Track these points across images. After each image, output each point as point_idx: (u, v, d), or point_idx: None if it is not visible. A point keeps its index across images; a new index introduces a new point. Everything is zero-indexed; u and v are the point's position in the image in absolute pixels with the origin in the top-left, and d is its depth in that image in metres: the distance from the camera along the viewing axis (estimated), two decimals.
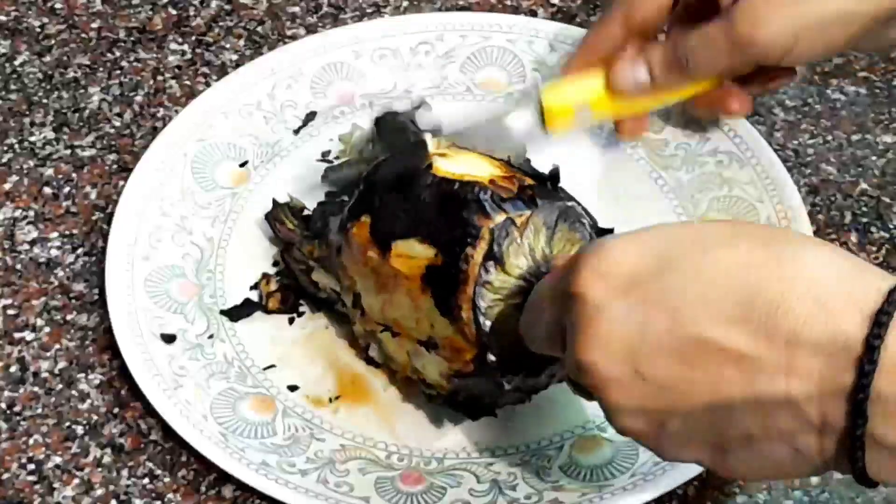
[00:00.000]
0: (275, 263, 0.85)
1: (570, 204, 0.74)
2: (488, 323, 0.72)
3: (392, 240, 0.75)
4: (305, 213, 0.87)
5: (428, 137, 0.78)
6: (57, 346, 0.83)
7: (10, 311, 0.84)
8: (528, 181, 0.75)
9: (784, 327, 0.55)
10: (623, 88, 0.82)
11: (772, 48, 0.78)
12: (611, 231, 0.76)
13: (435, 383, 0.76)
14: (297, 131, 0.92)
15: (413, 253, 0.74)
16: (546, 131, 0.84)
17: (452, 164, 0.76)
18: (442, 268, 0.72)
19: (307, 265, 0.82)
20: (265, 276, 0.84)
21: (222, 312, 0.83)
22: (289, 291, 0.83)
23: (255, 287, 0.84)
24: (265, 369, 0.81)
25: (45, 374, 0.81)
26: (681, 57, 0.81)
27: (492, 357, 0.72)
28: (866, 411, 0.54)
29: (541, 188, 0.75)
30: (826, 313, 0.55)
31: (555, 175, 0.76)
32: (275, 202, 0.86)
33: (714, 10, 0.81)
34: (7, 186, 0.91)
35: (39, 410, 0.80)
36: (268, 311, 0.83)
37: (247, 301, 0.83)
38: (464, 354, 0.73)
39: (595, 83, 0.84)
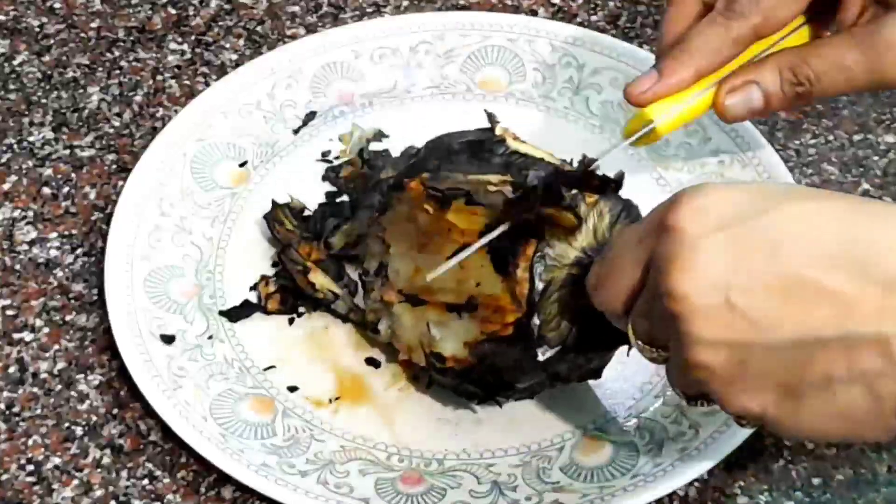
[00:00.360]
0: (274, 264, 0.85)
1: (634, 203, 0.74)
2: (542, 285, 0.71)
3: (454, 196, 0.74)
4: (306, 213, 0.86)
5: (499, 127, 0.78)
6: (56, 346, 0.83)
7: (10, 312, 0.84)
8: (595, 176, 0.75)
9: (880, 271, 0.57)
10: (735, 116, 0.79)
11: None
12: None
13: (451, 356, 0.75)
14: (297, 131, 0.92)
15: (475, 209, 0.74)
16: (636, 145, 0.81)
17: (519, 146, 0.77)
18: (499, 223, 0.72)
19: (304, 266, 0.82)
20: (264, 277, 0.84)
21: (221, 313, 0.83)
22: (287, 293, 0.83)
23: (254, 288, 0.84)
24: (265, 370, 0.81)
25: (44, 375, 0.81)
26: (803, 81, 0.77)
27: (536, 321, 0.71)
28: None
29: (605, 184, 0.75)
30: None
31: (619, 179, 0.75)
32: (274, 203, 0.86)
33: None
34: (6, 186, 0.91)
35: (38, 411, 0.80)
36: (267, 312, 0.83)
37: (246, 302, 0.83)
38: (506, 315, 0.72)
39: (701, 98, 0.79)
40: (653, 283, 0.62)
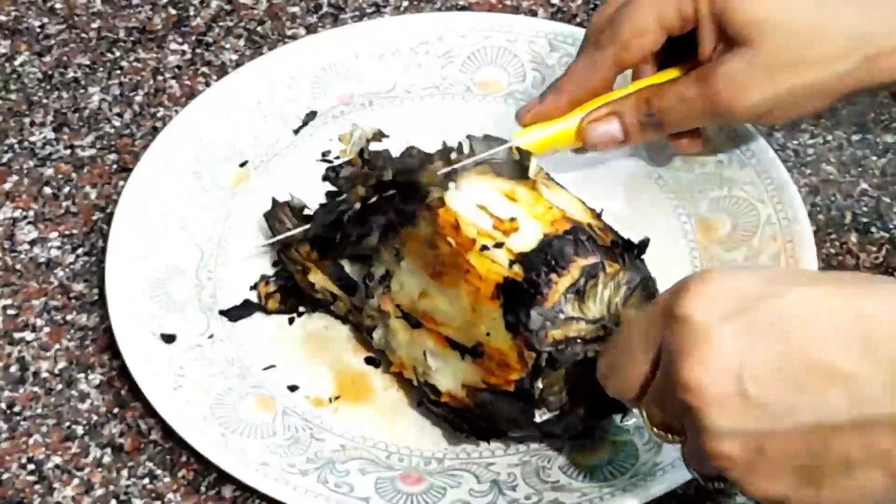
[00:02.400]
0: (274, 263, 0.85)
1: (652, 277, 0.75)
2: (550, 350, 0.72)
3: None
4: (306, 212, 0.87)
5: (533, 162, 0.79)
6: (57, 346, 0.83)
7: (10, 311, 0.84)
8: (619, 239, 0.75)
9: (889, 351, 0.57)
10: (596, 144, 0.83)
11: (748, 116, 0.80)
12: None
13: (447, 392, 0.75)
14: (297, 131, 0.92)
15: (498, 259, 0.74)
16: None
17: (552, 195, 0.77)
18: (521, 283, 0.72)
19: (303, 266, 0.82)
20: (264, 277, 0.84)
21: (221, 313, 0.83)
22: (287, 293, 0.83)
23: (254, 288, 0.84)
24: (265, 369, 0.81)
25: (45, 374, 0.81)
26: (654, 113, 0.81)
27: (539, 385, 0.72)
28: None
29: (628, 250, 0.75)
30: None
31: (643, 245, 0.76)
32: (274, 201, 0.86)
33: (686, 53, 0.82)
34: (7, 186, 0.91)
35: (39, 410, 0.80)
36: (267, 312, 0.83)
37: (246, 302, 0.83)
38: (510, 372, 0.72)
39: (568, 127, 0.84)
40: (665, 374, 0.62)
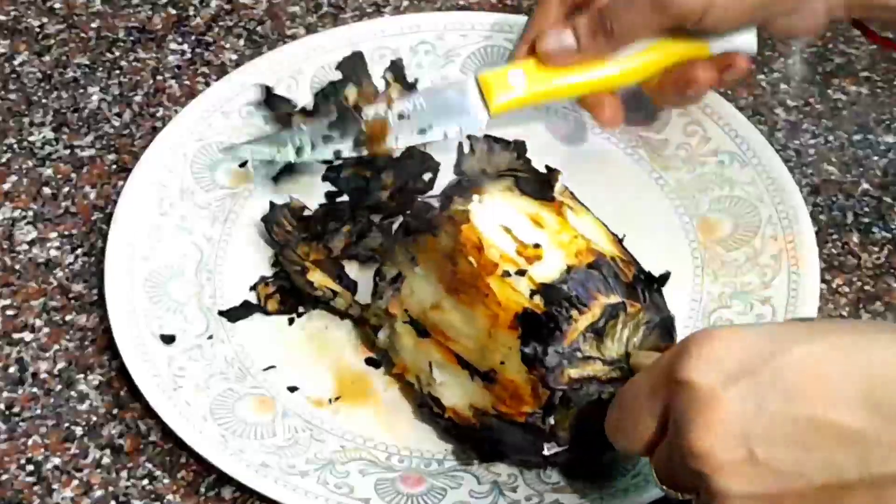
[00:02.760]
0: (274, 264, 0.85)
1: (671, 315, 0.74)
2: (565, 389, 0.71)
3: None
4: (306, 213, 0.86)
5: (559, 183, 0.78)
6: (56, 346, 0.83)
7: (9, 312, 0.84)
8: (641, 273, 0.75)
9: (894, 407, 0.57)
10: (549, 52, 0.84)
11: (687, 10, 0.81)
12: None
13: (453, 409, 0.75)
14: None
15: (519, 287, 0.73)
16: (490, 112, 0.85)
17: (577, 221, 0.76)
18: (540, 317, 0.72)
19: (302, 266, 0.82)
20: (263, 279, 0.84)
21: (221, 313, 0.83)
22: (287, 293, 0.83)
23: (253, 288, 0.84)
24: (265, 370, 0.81)
25: (44, 375, 0.81)
26: (605, 21, 0.82)
27: (551, 421, 0.71)
28: None
29: (649, 285, 0.75)
30: None
31: (664, 279, 0.76)
32: (272, 205, 0.86)
33: None
34: (6, 186, 0.91)
35: (38, 411, 0.80)
36: (267, 313, 0.83)
37: (246, 303, 0.83)
38: (522, 405, 0.72)
39: (531, 60, 0.85)
40: (673, 438, 0.62)
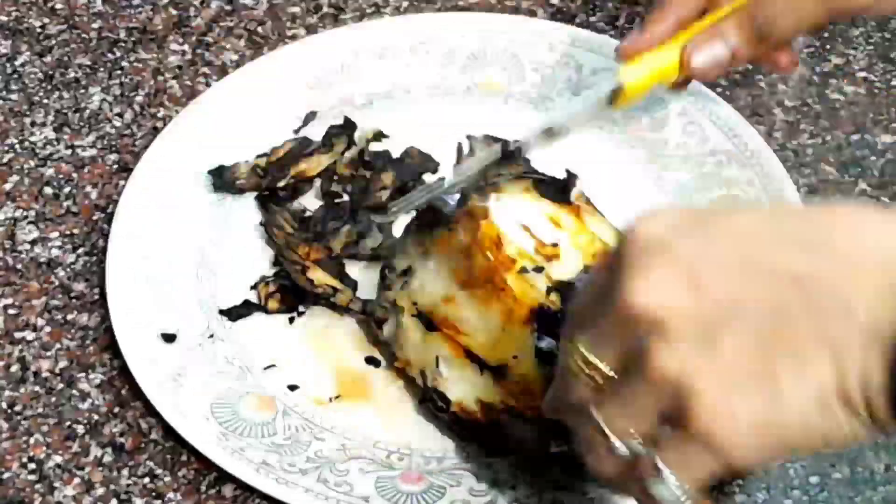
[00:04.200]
0: (274, 263, 0.85)
1: None
2: None
3: None
4: (307, 213, 0.87)
5: (577, 185, 0.78)
6: (57, 345, 0.83)
7: (11, 311, 0.84)
8: None
9: (842, 247, 0.56)
10: (702, 69, 0.80)
11: (864, 4, 0.77)
12: None
13: (459, 404, 0.75)
14: (297, 131, 0.92)
15: (536, 283, 0.73)
16: (613, 108, 0.82)
17: (595, 225, 0.77)
18: (557, 313, 0.72)
19: (303, 265, 0.82)
20: (263, 278, 0.84)
21: (221, 312, 0.83)
22: (287, 291, 0.83)
23: (254, 287, 0.84)
24: (265, 369, 0.81)
25: (45, 374, 0.81)
26: (761, 25, 0.78)
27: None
28: None
29: None
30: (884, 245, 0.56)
31: None
32: (271, 208, 0.86)
33: None
34: (8, 186, 0.91)
35: (40, 410, 0.80)
36: (268, 312, 0.83)
37: (246, 302, 0.83)
38: (533, 401, 0.72)
39: (669, 59, 0.81)
40: (609, 289, 0.59)
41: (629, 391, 0.59)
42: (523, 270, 0.73)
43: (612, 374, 0.59)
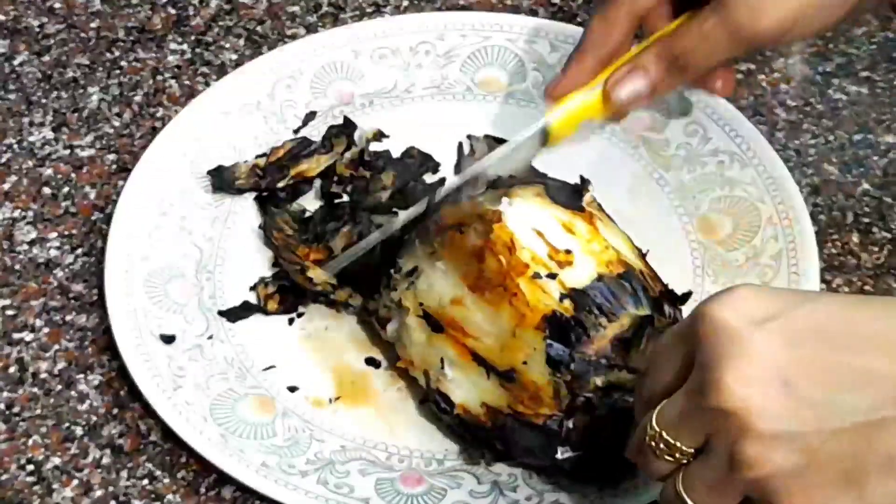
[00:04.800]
0: (273, 264, 0.85)
1: None
2: (589, 396, 0.71)
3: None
4: (307, 214, 0.86)
5: (589, 192, 0.78)
6: (56, 346, 0.82)
7: (9, 312, 0.84)
8: (666, 289, 0.76)
9: None
10: (623, 103, 0.80)
11: (772, 36, 0.77)
12: None
13: (463, 406, 0.75)
14: (297, 131, 0.92)
15: (549, 289, 0.73)
16: (548, 147, 0.83)
17: (607, 233, 0.77)
18: (569, 320, 0.72)
19: (302, 265, 0.82)
20: (262, 280, 0.84)
21: (220, 313, 0.82)
22: (286, 292, 0.83)
23: (253, 288, 0.84)
24: (265, 370, 0.81)
25: (44, 375, 0.81)
26: (678, 58, 0.79)
27: (570, 425, 0.71)
28: None
29: (673, 302, 0.75)
30: None
31: (686, 297, 0.78)
32: (270, 210, 0.86)
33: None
34: (6, 186, 0.91)
35: (38, 411, 0.80)
36: (267, 313, 0.83)
37: (245, 303, 0.83)
38: (541, 407, 0.72)
39: (594, 97, 0.81)
40: (697, 379, 0.59)
41: (713, 474, 0.60)
42: (536, 276, 0.73)
43: (691, 451, 0.61)
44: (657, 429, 0.61)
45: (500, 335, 0.73)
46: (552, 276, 0.73)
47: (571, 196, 0.78)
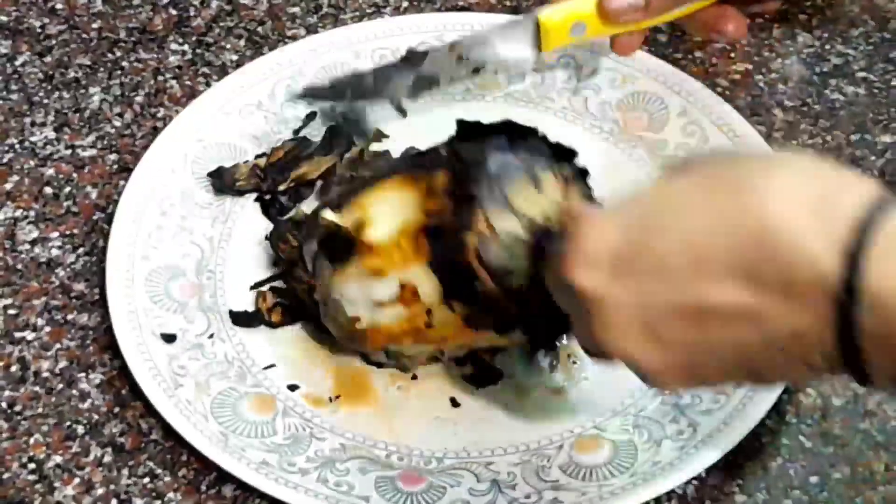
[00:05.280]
0: (274, 264, 0.85)
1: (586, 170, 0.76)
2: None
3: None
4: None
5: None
6: (57, 345, 0.83)
7: (11, 311, 0.84)
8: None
9: (772, 275, 0.58)
10: (618, 11, 0.82)
11: None
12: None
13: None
14: (297, 131, 0.92)
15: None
16: (540, 50, 0.84)
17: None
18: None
19: (309, 284, 0.82)
20: (261, 294, 0.84)
21: (231, 313, 0.82)
22: (287, 309, 0.83)
23: (254, 288, 0.84)
24: (265, 369, 0.81)
25: (45, 374, 0.81)
26: None
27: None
28: (855, 340, 0.57)
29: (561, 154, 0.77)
30: (807, 256, 0.57)
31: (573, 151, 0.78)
32: (276, 222, 0.86)
33: None
34: (8, 186, 0.91)
35: (40, 410, 0.80)
36: (273, 326, 0.83)
37: (253, 314, 0.83)
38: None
39: (590, 3, 0.83)
40: (587, 336, 0.65)
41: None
42: None
43: None
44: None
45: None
46: None
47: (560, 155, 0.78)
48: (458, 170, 0.74)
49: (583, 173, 0.76)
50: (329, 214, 0.76)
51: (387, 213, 0.76)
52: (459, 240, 0.72)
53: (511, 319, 0.74)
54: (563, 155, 0.76)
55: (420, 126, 0.92)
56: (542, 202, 0.73)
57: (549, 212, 0.73)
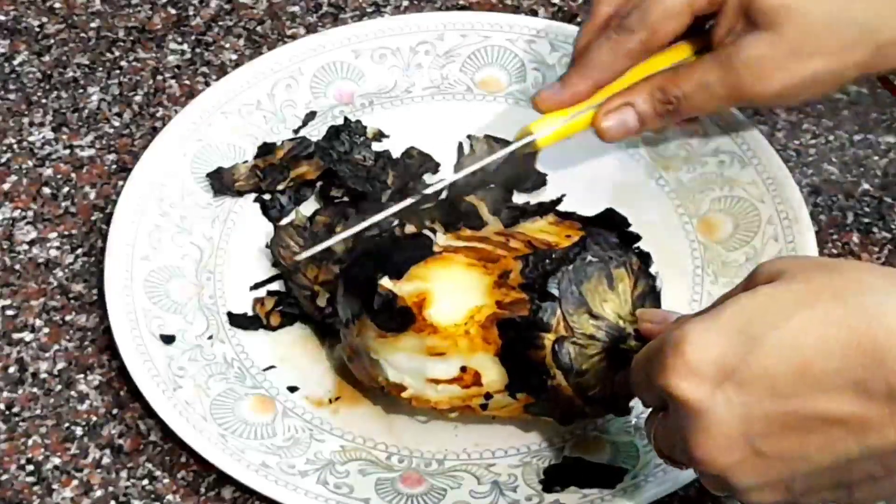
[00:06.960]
0: (274, 264, 0.85)
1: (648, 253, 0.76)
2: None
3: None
4: (310, 224, 0.86)
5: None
6: (56, 346, 0.83)
7: (9, 312, 0.84)
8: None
9: (879, 384, 0.58)
10: (610, 131, 0.82)
11: (770, 100, 0.81)
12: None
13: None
14: (297, 131, 0.92)
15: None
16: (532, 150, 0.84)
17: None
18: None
19: (312, 290, 0.81)
20: (258, 300, 0.83)
21: (229, 315, 0.82)
22: (287, 317, 0.83)
23: (254, 288, 0.84)
24: (265, 370, 0.81)
25: (44, 375, 0.81)
26: (672, 100, 0.81)
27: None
28: None
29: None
30: None
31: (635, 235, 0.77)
32: (277, 227, 0.86)
33: (694, 33, 0.81)
34: (6, 186, 0.91)
35: (38, 411, 0.80)
36: (273, 329, 0.82)
37: (254, 317, 0.83)
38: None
39: (582, 117, 0.82)
40: (680, 448, 0.63)
41: None
42: None
43: None
44: (659, 454, 0.67)
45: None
46: None
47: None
48: (532, 262, 0.73)
49: (646, 261, 0.75)
50: (387, 283, 0.73)
51: (452, 293, 0.73)
52: (536, 337, 0.71)
53: (575, 413, 0.74)
54: (627, 239, 0.75)
55: (420, 126, 0.92)
56: (614, 301, 0.72)
57: (621, 311, 0.72)
